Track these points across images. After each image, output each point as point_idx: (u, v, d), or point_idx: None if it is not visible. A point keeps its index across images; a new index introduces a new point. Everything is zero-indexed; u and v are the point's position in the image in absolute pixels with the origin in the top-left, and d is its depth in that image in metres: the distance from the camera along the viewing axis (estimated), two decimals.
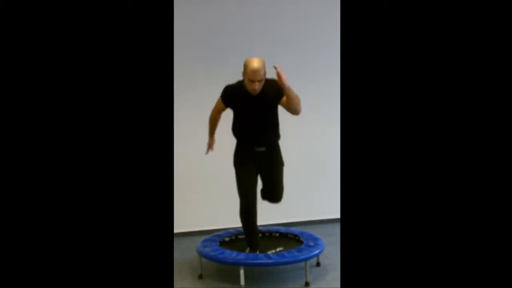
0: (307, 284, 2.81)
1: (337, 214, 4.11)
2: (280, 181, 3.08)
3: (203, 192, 4.09)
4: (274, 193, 3.10)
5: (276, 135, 3.00)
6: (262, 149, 2.94)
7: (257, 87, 2.72)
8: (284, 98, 2.80)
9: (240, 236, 3.30)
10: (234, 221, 3.50)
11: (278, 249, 3.03)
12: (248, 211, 2.96)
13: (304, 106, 4.19)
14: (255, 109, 2.85)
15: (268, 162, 2.98)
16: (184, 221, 3.96)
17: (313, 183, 4.31)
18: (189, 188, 4.01)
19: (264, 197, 3.15)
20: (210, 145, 3.20)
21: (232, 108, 2.97)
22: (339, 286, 1.76)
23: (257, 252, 3.00)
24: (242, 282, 2.75)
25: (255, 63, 2.67)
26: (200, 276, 3.02)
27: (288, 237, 3.32)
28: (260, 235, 3.19)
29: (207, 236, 3.31)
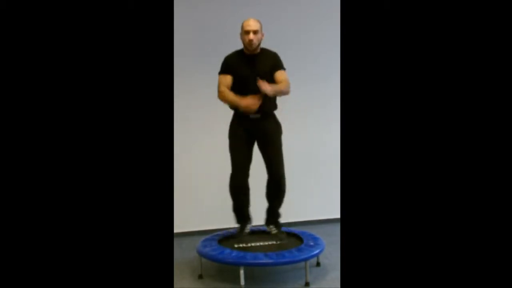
0: (307, 284, 2.81)
1: (337, 214, 4.10)
2: (279, 150, 3.02)
3: (203, 192, 4.09)
4: (274, 168, 3.01)
5: (271, 103, 3.01)
6: (257, 116, 2.94)
7: (252, 37, 2.83)
8: (279, 80, 2.91)
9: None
10: (234, 221, 3.50)
11: (278, 242, 3.03)
12: (237, 184, 3.01)
13: (304, 106, 4.23)
14: (250, 73, 2.88)
15: (264, 129, 2.98)
16: (184, 221, 3.96)
17: (313, 183, 4.31)
18: (189, 188, 4.01)
19: (268, 185, 3.08)
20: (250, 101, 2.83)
21: (230, 74, 2.95)
22: (339, 286, 1.76)
23: (246, 229, 3.04)
24: (242, 282, 2.75)
25: (250, 19, 2.89)
26: (200, 276, 3.02)
27: (288, 236, 3.31)
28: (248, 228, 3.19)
29: (207, 236, 3.31)
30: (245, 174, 3.03)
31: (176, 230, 3.78)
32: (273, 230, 3.15)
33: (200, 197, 4.08)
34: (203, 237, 3.30)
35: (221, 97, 2.94)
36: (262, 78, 2.86)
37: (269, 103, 2.97)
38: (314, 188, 4.31)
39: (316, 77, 4.29)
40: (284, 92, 2.89)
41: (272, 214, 3.19)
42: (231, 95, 2.89)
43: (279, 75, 2.93)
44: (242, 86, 2.93)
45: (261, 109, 2.93)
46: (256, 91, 2.86)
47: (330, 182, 4.15)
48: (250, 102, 2.83)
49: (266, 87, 2.75)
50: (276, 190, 3.10)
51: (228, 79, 2.94)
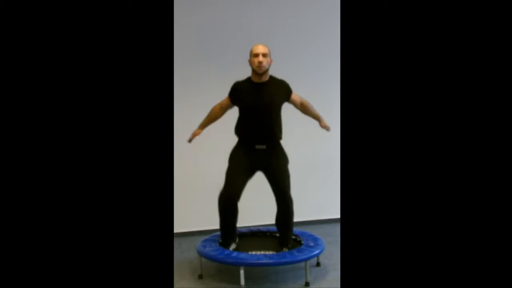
0: (307, 284, 2.81)
1: (337, 214, 4.11)
2: (287, 178, 3.00)
3: (203, 192, 4.09)
4: (284, 197, 2.98)
5: (278, 133, 3.00)
6: (263, 147, 2.94)
7: (262, 59, 2.82)
8: (297, 100, 3.08)
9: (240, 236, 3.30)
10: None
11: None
12: (227, 201, 2.93)
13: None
14: (259, 103, 2.87)
15: (270, 159, 2.96)
16: (184, 221, 3.96)
17: (313, 183, 4.31)
18: (189, 188, 4.01)
19: (279, 212, 3.05)
20: (195, 134, 3.14)
21: (237, 103, 2.97)
22: (339, 286, 1.76)
23: (231, 248, 3.01)
24: (242, 282, 2.75)
25: (259, 44, 2.90)
26: (200, 276, 3.02)
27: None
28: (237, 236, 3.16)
29: (207, 236, 3.31)
30: (236, 196, 2.94)
31: (176, 230, 3.78)
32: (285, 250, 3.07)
33: (200, 197, 4.08)
34: (203, 237, 3.30)
35: (209, 112, 3.11)
36: (270, 107, 2.89)
37: (275, 132, 2.97)
38: (314, 189, 4.31)
39: (317, 77, 4.29)
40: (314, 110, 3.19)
41: (284, 239, 3.11)
42: (207, 119, 3.11)
43: (295, 97, 3.05)
44: (249, 114, 2.93)
45: (268, 138, 2.95)
46: (262, 119, 2.89)
47: (330, 182, 4.16)
48: (195, 133, 3.14)
49: (327, 127, 3.21)
50: (285, 218, 3.07)
51: (227, 103, 3.02)
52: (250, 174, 3.01)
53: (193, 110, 4.03)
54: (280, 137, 3.01)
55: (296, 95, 3.05)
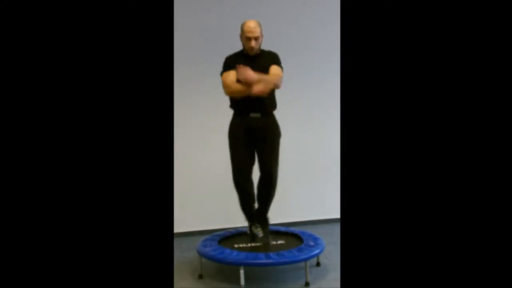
0: (307, 284, 2.81)
1: (337, 214, 4.11)
2: (275, 151, 3.02)
3: (203, 192, 4.09)
4: (267, 167, 2.99)
5: (272, 103, 3.03)
6: (257, 115, 2.96)
7: (254, 44, 2.87)
8: (270, 70, 2.89)
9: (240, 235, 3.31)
10: (234, 221, 3.50)
11: (279, 242, 3.03)
12: (238, 183, 3.02)
13: (304, 106, 4.22)
14: None
15: (263, 129, 2.99)
16: (184, 221, 3.96)
17: (313, 183, 4.31)
18: (189, 188, 4.01)
19: (259, 182, 3.07)
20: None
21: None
22: (339, 286, 1.76)
23: (257, 229, 3.09)
24: (242, 282, 2.75)
25: (251, 21, 2.90)
26: (200, 276, 3.02)
27: (288, 236, 3.31)
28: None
29: (207, 236, 3.31)
30: (246, 173, 3.03)
31: (176, 230, 3.78)
32: (260, 232, 3.12)
33: (200, 197, 4.08)
34: (203, 237, 3.30)
35: (229, 91, 2.95)
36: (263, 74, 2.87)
37: (268, 101, 2.99)
38: (314, 188, 4.31)
39: (317, 76, 4.29)
40: (269, 82, 2.82)
41: (260, 214, 3.16)
42: (239, 86, 2.85)
43: (272, 68, 2.92)
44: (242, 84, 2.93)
45: (261, 107, 2.95)
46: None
47: (330, 182, 4.16)
48: (260, 87, 2.76)
49: (248, 73, 2.72)
50: (266, 190, 3.08)
51: (231, 75, 2.92)
52: (251, 146, 3.03)
53: (193, 110, 4.06)
54: (273, 106, 3.04)
55: (275, 69, 2.90)
